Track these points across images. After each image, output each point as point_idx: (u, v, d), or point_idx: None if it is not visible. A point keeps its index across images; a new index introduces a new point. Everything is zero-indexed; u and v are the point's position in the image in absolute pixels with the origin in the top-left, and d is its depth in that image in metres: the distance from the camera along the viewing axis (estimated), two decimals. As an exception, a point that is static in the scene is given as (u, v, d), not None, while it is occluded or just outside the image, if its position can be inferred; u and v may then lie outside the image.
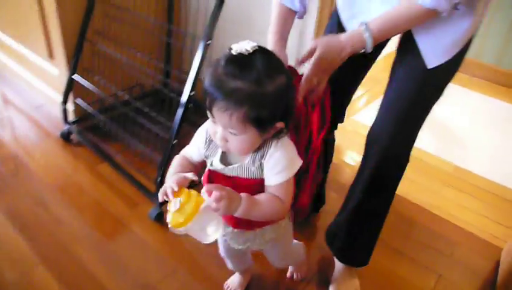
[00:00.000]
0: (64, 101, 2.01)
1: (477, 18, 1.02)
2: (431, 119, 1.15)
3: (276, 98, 0.80)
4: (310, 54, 1.02)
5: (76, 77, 1.92)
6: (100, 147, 1.94)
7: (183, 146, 1.01)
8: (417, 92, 1.09)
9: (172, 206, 0.81)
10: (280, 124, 0.85)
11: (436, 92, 1.12)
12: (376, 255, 1.35)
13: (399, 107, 1.12)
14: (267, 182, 0.89)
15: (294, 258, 1.34)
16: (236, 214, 0.83)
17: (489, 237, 1.68)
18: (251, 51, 0.78)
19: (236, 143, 0.84)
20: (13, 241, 1.47)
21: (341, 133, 1.54)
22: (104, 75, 1.94)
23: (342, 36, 1.02)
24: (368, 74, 1.32)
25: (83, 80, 1.91)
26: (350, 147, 2.14)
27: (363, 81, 1.34)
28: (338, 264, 1.41)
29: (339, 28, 1.18)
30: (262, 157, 0.87)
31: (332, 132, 1.49)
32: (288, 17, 1.14)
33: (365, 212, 1.27)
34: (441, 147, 2.26)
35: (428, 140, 2.27)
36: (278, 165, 0.87)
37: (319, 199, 1.68)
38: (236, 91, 0.76)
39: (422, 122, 1.15)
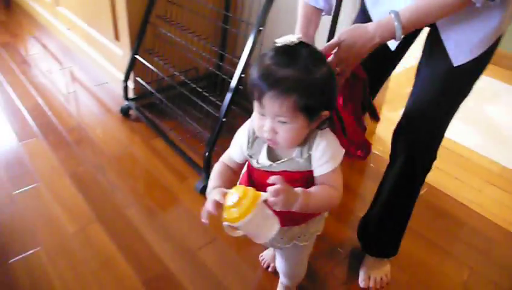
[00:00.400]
0: (126, 79, 2.17)
1: (507, 14, 0.98)
2: (480, 118, 1.16)
3: (323, 85, 0.82)
4: (336, 43, 0.98)
5: (138, 57, 2.08)
6: (155, 123, 2.09)
7: (232, 126, 1.08)
8: (442, 91, 1.08)
9: (228, 201, 0.80)
10: (325, 113, 0.86)
11: (461, 91, 1.10)
12: (411, 245, 1.39)
13: (425, 107, 1.12)
14: (316, 173, 0.90)
15: (301, 274, 1.27)
16: (294, 209, 0.82)
17: (531, 239, 1.66)
18: (296, 41, 0.82)
19: (285, 134, 0.84)
20: (75, 199, 1.64)
21: (387, 126, 1.58)
22: (163, 57, 2.08)
23: (370, 25, 0.96)
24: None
25: (144, 60, 2.06)
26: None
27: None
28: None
29: (365, 16, 1.16)
30: (309, 148, 0.89)
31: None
32: (313, 16, 1.12)
33: (393, 209, 1.31)
34: (488, 146, 2.22)
35: (475, 139, 2.24)
36: (326, 154, 0.88)
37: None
38: (287, 79, 0.78)
39: (449, 120, 1.14)
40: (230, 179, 0.97)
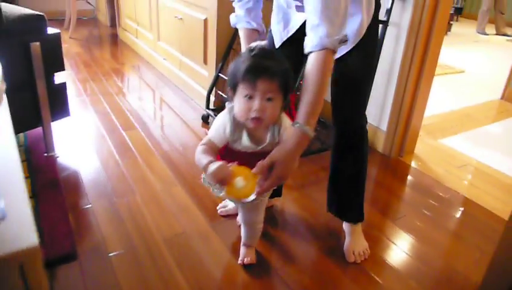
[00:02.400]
0: (209, 93, 2.70)
1: (364, 18, 1.32)
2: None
3: (290, 74, 1.13)
4: (268, 165, 1.12)
5: (221, 74, 2.60)
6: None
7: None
8: (341, 78, 1.42)
9: (238, 184, 1.09)
10: (289, 96, 1.17)
11: (359, 70, 1.42)
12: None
13: (338, 93, 1.46)
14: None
15: (261, 221, 1.50)
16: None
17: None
18: (264, 46, 1.17)
19: (271, 109, 1.10)
20: (162, 168, 2.11)
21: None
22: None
23: (291, 146, 1.13)
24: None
25: (225, 77, 2.58)
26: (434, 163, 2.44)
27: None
28: (346, 228, 1.67)
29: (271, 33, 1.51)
30: (279, 128, 1.18)
31: None
32: (252, 35, 1.47)
33: (341, 175, 1.59)
34: None
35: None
36: (289, 125, 1.19)
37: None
38: (272, 67, 1.08)
39: (357, 97, 1.47)
40: (215, 156, 1.18)
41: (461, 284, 1.52)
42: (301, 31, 1.25)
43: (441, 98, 3.51)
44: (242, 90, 1.10)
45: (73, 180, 1.96)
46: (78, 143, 2.32)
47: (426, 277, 1.55)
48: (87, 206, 1.77)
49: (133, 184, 1.96)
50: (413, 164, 2.38)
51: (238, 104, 1.12)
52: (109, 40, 4.76)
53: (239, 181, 1.09)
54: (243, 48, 1.46)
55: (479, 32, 6.90)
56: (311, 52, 1.14)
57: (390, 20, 2.20)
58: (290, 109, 1.29)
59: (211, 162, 1.12)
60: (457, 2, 8.04)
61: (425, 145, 2.59)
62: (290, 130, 1.16)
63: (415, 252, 1.67)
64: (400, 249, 1.68)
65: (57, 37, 2.03)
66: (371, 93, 2.33)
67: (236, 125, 1.17)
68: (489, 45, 6.21)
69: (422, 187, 2.17)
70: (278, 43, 1.49)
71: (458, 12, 8.11)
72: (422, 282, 1.51)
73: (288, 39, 1.46)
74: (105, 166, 2.09)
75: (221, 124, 1.18)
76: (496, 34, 6.83)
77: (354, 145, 1.53)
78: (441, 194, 2.11)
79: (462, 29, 7.29)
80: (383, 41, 2.24)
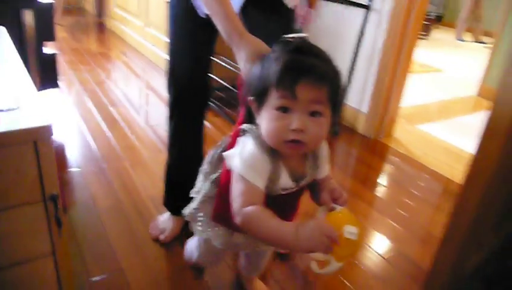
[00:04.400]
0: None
1: None
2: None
3: (341, 80, 0.81)
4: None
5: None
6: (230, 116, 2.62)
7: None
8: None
9: (351, 234, 0.70)
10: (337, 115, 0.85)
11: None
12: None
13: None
14: (323, 174, 0.89)
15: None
16: None
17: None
18: (305, 38, 0.80)
19: (316, 129, 0.75)
20: (149, 139, 2.16)
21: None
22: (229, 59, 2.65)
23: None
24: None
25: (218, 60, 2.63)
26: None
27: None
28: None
29: None
30: (317, 155, 0.87)
31: None
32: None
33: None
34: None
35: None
36: (326, 153, 0.89)
37: None
38: (319, 66, 0.74)
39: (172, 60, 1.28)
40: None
41: (434, 243, 1.62)
42: None
43: (419, 91, 3.65)
44: (275, 100, 0.75)
45: (62, 148, 2.00)
46: (66, 115, 2.35)
47: (402, 235, 1.64)
48: (76, 169, 1.81)
49: (121, 152, 2.01)
50: (391, 145, 2.48)
51: (267, 121, 0.76)
52: (96, 28, 4.78)
53: (349, 230, 0.70)
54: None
55: (457, 39, 7.14)
56: None
57: (371, 6, 2.32)
58: None
59: (297, 225, 0.73)
60: (437, 9, 8.31)
61: (404, 130, 2.70)
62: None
63: (392, 214, 1.76)
64: (377, 212, 1.77)
65: (49, 7, 2.07)
66: (353, 76, 2.43)
67: (273, 157, 0.80)
68: (466, 50, 6.42)
69: (398, 164, 2.27)
70: (237, 7, 1.14)
71: (438, 20, 8.37)
72: (400, 239, 1.60)
73: None
74: (94, 136, 2.13)
75: (255, 158, 0.78)
76: (474, 42, 7.07)
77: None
78: (416, 170, 2.22)
79: (441, 35, 7.52)
80: (365, 26, 2.35)
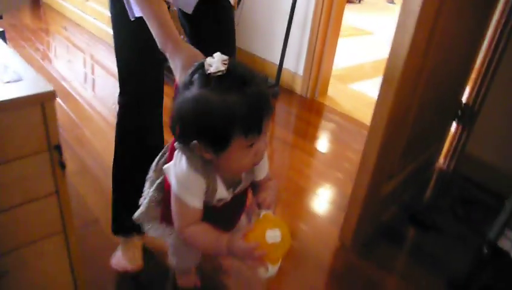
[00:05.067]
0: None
1: None
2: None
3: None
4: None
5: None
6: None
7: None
8: None
9: (273, 238, 0.76)
10: None
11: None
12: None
13: None
14: (261, 177, 0.95)
15: None
16: None
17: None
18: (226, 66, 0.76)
19: (264, 148, 0.83)
20: (105, 109, 2.31)
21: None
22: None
23: None
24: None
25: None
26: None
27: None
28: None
29: None
30: None
31: None
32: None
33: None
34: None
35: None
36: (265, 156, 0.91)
37: None
38: (269, 95, 0.80)
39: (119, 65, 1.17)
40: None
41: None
42: None
43: (351, 54, 3.98)
44: (244, 142, 0.77)
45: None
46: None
47: (338, 166, 1.96)
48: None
49: (79, 122, 2.16)
50: (326, 103, 2.79)
51: (236, 160, 0.81)
52: (30, 2, 4.67)
53: (271, 234, 0.77)
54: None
55: (388, 2, 7.56)
56: None
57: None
58: None
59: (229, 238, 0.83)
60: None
61: (337, 89, 3.02)
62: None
63: (325, 158, 2.07)
64: (316, 161, 2.08)
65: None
66: (289, 42, 2.68)
67: (207, 172, 0.85)
68: (396, 13, 6.86)
69: (332, 118, 2.59)
70: (189, 9, 1.13)
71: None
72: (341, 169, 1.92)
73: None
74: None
75: (189, 179, 0.84)
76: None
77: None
78: (347, 122, 2.55)
79: (373, 0, 7.93)
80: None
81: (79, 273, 1.07)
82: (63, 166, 0.89)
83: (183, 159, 0.84)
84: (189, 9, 1.12)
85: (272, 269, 0.77)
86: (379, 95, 1.25)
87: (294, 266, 1.43)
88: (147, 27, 0.93)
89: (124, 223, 1.33)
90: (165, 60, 0.95)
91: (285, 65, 2.84)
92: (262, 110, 0.76)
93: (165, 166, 0.92)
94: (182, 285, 1.28)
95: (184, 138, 0.81)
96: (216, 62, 0.74)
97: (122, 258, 1.35)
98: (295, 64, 2.83)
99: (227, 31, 1.21)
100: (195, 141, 0.79)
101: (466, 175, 2.08)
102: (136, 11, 1.03)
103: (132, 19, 1.05)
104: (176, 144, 0.86)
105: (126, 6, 1.05)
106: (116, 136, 1.24)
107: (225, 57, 0.75)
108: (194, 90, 0.76)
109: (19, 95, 0.79)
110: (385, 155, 1.38)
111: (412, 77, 1.27)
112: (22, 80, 0.84)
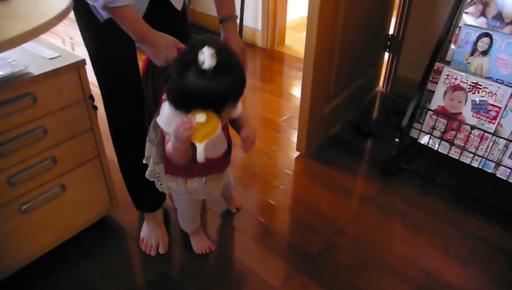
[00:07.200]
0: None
1: None
2: None
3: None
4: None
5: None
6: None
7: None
8: None
9: (199, 118, 0.93)
10: None
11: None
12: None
13: None
14: (236, 115, 1.19)
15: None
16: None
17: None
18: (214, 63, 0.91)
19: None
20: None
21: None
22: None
23: (237, 36, 1.23)
24: None
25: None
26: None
27: None
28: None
29: None
30: None
31: None
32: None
33: None
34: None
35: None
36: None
37: None
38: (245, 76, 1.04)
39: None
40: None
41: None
42: None
43: (302, 6, 4.35)
44: (230, 107, 1.03)
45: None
46: None
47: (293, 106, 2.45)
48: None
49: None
50: (284, 51, 3.24)
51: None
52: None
53: (199, 116, 0.94)
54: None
55: None
56: None
57: None
58: None
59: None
60: None
61: (293, 38, 3.45)
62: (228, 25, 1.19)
63: (288, 94, 2.56)
64: (280, 99, 2.57)
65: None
66: (246, 2, 3.09)
67: (185, 113, 1.01)
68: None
69: (292, 63, 3.05)
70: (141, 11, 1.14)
71: None
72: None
73: None
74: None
75: (170, 117, 1.03)
76: None
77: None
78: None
79: None
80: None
81: (113, 190, 1.55)
82: (95, 108, 1.34)
83: (166, 106, 1.04)
84: (178, 5, 1.26)
85: (199, 148, 0.94)
86: (306, 33, 1.71)
87: (267, 171, 1.94)
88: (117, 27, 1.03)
89: (145, 202, 1.55)
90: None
91: (245, 23, 3.24)
92: (243, 88, 1.00)
93: (156, 119, 1.13)
94: (198, 251, 1.50)
95: (182, 106, 0.99)
96: (207, 58, 0.90)
97: (150, 240, 1.52)
98: (254, 21, 3.25)
99: (179, 31, 1.26)
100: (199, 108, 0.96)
101: (398, 93, 2.59)
102: (105, 14, 1.08)
103: (102, 21, 1.12)
104: (163, 96, 1.08)
105: (93, 11, 1.11)
106: (111, 134, 1.42)
107: (212, 51, 0.90)
108: (193, 80, 0.93)
109: (61, 65, 1.24)
110: (319, 80, 1.85)
111: (330, 16, 1.72)
112: (60, 55, 1.28)
